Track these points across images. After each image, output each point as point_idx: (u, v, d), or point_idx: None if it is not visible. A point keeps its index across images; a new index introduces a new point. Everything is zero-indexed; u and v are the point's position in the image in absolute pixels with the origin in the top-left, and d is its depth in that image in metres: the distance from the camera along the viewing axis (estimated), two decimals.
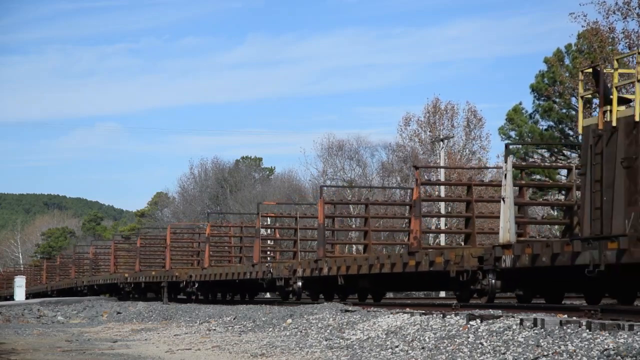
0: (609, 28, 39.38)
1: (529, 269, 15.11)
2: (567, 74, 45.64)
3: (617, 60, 13.78)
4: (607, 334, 10.05)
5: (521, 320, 11.60)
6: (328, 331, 14.98)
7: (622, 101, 13.57)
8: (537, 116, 52.75)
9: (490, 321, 12.24)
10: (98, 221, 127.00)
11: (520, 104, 54.69)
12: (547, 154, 49.60)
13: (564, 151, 49.05)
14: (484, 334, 11.59)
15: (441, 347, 11.47)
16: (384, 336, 13.27)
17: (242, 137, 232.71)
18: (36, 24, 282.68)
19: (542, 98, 50.81)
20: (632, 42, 38.75)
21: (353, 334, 14.11)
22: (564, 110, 48.40)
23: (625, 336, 9.81)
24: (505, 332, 11.38)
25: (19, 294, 55.54)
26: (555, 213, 31.03)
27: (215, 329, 18.56)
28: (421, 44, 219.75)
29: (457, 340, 11.59)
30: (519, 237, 18.99)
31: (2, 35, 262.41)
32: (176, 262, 38.01)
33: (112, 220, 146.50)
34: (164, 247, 38.06)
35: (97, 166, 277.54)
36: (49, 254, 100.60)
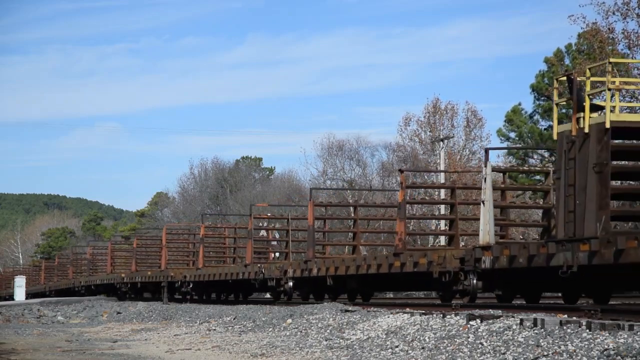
0: (609, 28, 39.40)
1: (508, 269, 15.57)
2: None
3: (589, 69, 14.30)
4: (607, 334, 10.05)
5: (521, 320, 11.60)
6: (328, 331, 14.99)
7: (595, 108, 14.02)
8: (537, 116, 52.81)
9: (490, 321, 12.24)
10: (98, 221, 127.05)
11: (520, 104, 54.72)
12: (547, 154, 49.59)
13: None
14: (484, 334, 11.59)
15: (441, 347, 11.48)
16: (384, 336, 13.28)
17: (242, 137, 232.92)
18: (36, 24, 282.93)
19: (542, 98, 50.80)
20: (632, 42, 38.78)
21: (353, 334, 14.12)
22: (564, 111, 48.44)
23: (625, 336, 9.81)
24: (505, 332, 11.38)
25: (19, 294, 55.57)
26: None
27: (215, 329, 18.57)
28: (421, 44, 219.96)
29: (457, 340, 11.60)
30: (502, 238, 20.03)
31: (2, 35, 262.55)
32: (173, 262, 38.32)
33: (112, 220, 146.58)
34: (160, 247, 38.40)
35: (97, 166, 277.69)
36: (49, 254, 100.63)
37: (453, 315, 13.29)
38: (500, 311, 13.39)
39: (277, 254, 31.69)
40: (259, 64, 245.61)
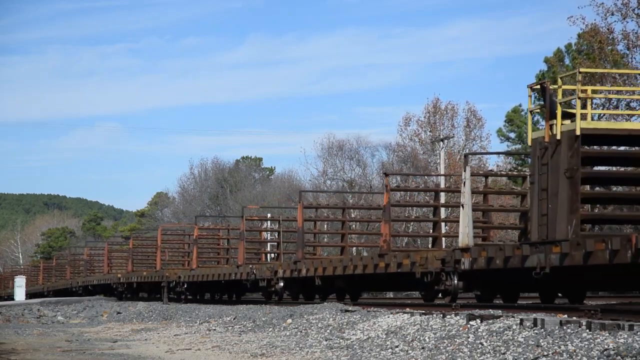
0: (608, 29, 39.41)
1: (486, 270, 16.18)
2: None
3: (561, 78, 14.89)
4: (607, 334, 10.05)
5: (521, 320, 11.61)
6: (328, 331, 14.99)
7: (567, 115, 14.56)
8: (538, 116, 52.74)
9: (490, 321, 12.24)
10: (98, 221, 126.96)
11: (520, 105, 54.69)
12: None
13: None
14: (484, 334, 11.60)
15: (441, 347, 11.48)
16: (384, 336, 13.28)
17: (242, 137, 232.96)
18: (36, 23, 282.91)
19: (543, 98, 50.66)
20: (631, 42, 38.78)
21: (353, 334, 14.12)
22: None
23: (625, 336, 9.81)
24: (505, 332, 11.38)
25: (19, 294, 55.55)
26: None
27: (215, 329, 18.57)
28: (421, 44, 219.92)
29: (457, 340, 11.60)
30: (484, 240, 21.38)
31: (2, 35, 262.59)
32: (169, 262, 38.65)
33: (112, 220, 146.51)
34: (154, 248, 38.78)
35: (97, 166, 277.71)
36: (49, 254, 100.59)
37: (453, 315, 13.29)
38: (500, 311, 13.40)
39: (274, 255, 31.97)
40: (259, 64, 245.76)
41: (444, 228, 23.30)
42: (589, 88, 15.27)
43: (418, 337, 12.51)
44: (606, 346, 9.50)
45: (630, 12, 38.31)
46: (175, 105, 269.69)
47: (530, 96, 15.65)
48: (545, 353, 9.86)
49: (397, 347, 12.21)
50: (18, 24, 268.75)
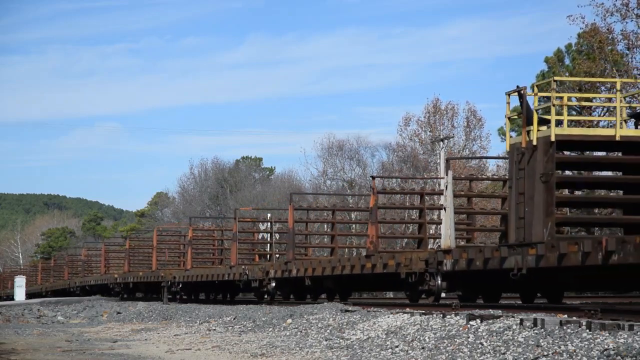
0: (608, 29, 39.41)
1: (467, 271, 16.68)
2: (567, 74, 45.65)
3: (537, 86, 15.40)
4: (607, 334, 10.05)
5: (521, 320, 11.61)
6: (328, 331, 14.99)
7: (544, 122, 15.14)
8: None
9: (490, 321, 12.24)
10: (98, 221, 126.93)
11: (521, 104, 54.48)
12: None
13: None
14: (484, 334, 11.59)
15: (441, 347, 11.48)
16: (384, 336, 13.28)
17: (242, 137, 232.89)
18: (36, 23, 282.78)
19: (543, 98, 50.65)
20: (631, 42, 38.78)
21: (353, 334, 14.12)
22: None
23: (625, 336, 9.81)
24: (505, 332, 11.38)
25: (19, 294, 55.56)
26: None
27: (215, 329, 18.57)
28: (421, 44, 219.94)
29: (457, 340, 11.60)
30: (469, 242, 22.22)
31: (2, 35, 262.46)
32: (168, 263, 39.04)
33: (112, 220, 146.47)
34: (150, 248, 39.13)
35: (97, 166, 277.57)
36: (49, 254, 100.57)
37: (453, 315, 13.28)
38: (500, 311, 13.41)
39: (271, 256, 32.41)
40: (259, 64, 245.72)
41: (435, 230, 23.71)
42: (565, 95, 15.90)
43: (418, 337, 12.51)
44: (606, 346, 9.50)
45: (630, 13, 38.30)
46: (175, 105, 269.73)
47: (508, 103, 16.04)
48: (545, 353, 9.86)
49: (397, 347, 12.21)
50: (18, 24, 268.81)
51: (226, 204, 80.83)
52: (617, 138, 15.27)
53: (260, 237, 33.18)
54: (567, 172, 17.10)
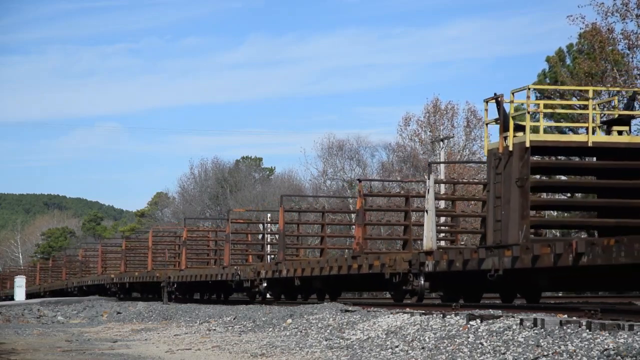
0: (608, 29, 39.37)
1: (447, 272, 17.31)
2: (569, 74, 45.64)
3: (512, 93, 15.87)
4: (607, 334, 10.05)
5: (521, 320, 11.60)
6: (328, 331, 14.98)
7: (520, 128, 15.72)
8: (538, 116, 52.73)
9: (490, 321, 12.24)
10: (98, 221, 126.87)
11: (522, 105, 54.47)
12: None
13: None
14: (484, 334, 11.59)
15: (441, 347, 11.47)
16: (384, 336, 13.27)
17: (242, 137, 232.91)
18: (37, 23, 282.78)
19: (544, 98, 50.67)
20: (631, 42, 38.75)
21: (353, 334, 14.11)
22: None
23: (625, 336, 9.81)
24: (505, 332, 11.38)
25: (19, 294, 55.54)
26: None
27: (215, 329, 18.57)
28: (421, 44, 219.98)
29: (457, 340, 11.59)
30: (452, 243, 23.04)
31: (3, 35, 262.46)
32: (168, 263, 39.29)
33: (112, 220, 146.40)
34: (147, 249, 39.42)
35: (97, 166, 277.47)
36: (48, 254, 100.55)
37: (453, 315, 13.28)
38: (500, 311, 13.41)
39: (249, 257, 32.96)
40: (259, 64, 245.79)
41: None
42: (542, 102, 16.69)
43: (418, 337, 12.51)
44: (606, 346, 9.50)
45: (630, 13, 38.26)
46: (175, 105, 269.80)
47: (486, 110, 16.53)
48: (545, 353, 9.86)
49: (397, 347, 12.21)
50: (18, 24, 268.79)
51: (226, 204, 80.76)
52: (590, 144, 15.89)
53: (260, 237, 33.34)
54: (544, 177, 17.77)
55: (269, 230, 31.81)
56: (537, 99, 50.43)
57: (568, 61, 47.95)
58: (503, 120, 15.86)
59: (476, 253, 16.12)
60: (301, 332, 15.60)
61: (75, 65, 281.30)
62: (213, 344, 15.26)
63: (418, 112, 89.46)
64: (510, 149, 15.59)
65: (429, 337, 12.29)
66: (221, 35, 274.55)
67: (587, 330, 10.49)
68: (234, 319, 19.98)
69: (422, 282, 18.49)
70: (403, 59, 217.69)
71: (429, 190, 18.47)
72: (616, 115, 16.60)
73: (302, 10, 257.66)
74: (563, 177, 26.22)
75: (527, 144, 15.41)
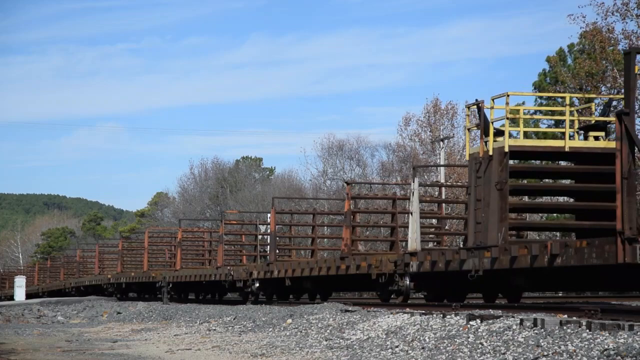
0: (608, 29, 39.36)
1: (431, 272, 17.87)
2: (570, 74, 45.62)
3: (493, 99, 16.39)
4: (607, 334, 10.05)
5: (521, 320, 11.61)
6: (328, 331, 14.98)
7: (500, 133, 16.19)
8: (539, 115, 52.68)
9: (490, 321, 12.24)
10: (98, 221, 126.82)
11: (523, 103, 54.47)
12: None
13: None
14: (484, 334, 11.59)
15: (441, 347, 11.47)
16: (384, 336, 13.27)
17: (242, 137, 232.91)
18: (38, 24, 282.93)
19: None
20: (632, 43, 38.74)
21: (353, 334, 14.11)
22: None
23: (625, 336, 9.81)
24: (505, 332, 11.38)
25: (19, 294, 55.54)
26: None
27: (215, 329, 18.57)
28: (423, 44, 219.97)
29: (457, 340, 11.59)
30: (439, 244, 23.87)
31: (4, 35, 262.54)
32: (167, 263, 39.48)
33: (112, 220, 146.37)
34: (144, 249, 39.71)
35: (97, 166, 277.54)
36: (48, 254, 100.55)
37: (453, 315, 13.29)
38: (500, 311, 13.41)
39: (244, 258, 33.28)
40: (260, 64, 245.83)
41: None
42: (521, 108, 17.30)
43: (418, 337, 12.51)
44: (606, 346, 9.49)
45: (630, 13, 38.25)
46: (175, 105, 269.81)
47: (467, 115, 17.13)
48: (545, 353, 9.86)
49: (397, 347, 12.21)
50: (19, 24, 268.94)
51: (226, 204, 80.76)
52: (567, 149, 16.43)
53: (261, 238, 33.44)
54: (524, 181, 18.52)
55: (262, 231, 32.03)
56: (535, 101, 50.60)
57: (569, 61, 47.96)
58: (484, 126, 16.30)
59: (457, 254, 16.59)
60: (301, 332, 15.60)
61: (76, 65, 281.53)
62: (213, 344, 15.26)
63: (419, 112, 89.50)
64: (490, 153, 16.08)
65: (429, 337, 12.29)
66: (222, 35, 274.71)
67: (587, 330, 10.49)
68: (234, 319, 19.97)
69: (408, 282, 19.04)
70: (404, 59, 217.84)
71: (413, 192, 18.95)
72: (593, 121, 17.10)
73: (303, 10, 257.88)
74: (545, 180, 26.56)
75: (506, 149, 15.86)
